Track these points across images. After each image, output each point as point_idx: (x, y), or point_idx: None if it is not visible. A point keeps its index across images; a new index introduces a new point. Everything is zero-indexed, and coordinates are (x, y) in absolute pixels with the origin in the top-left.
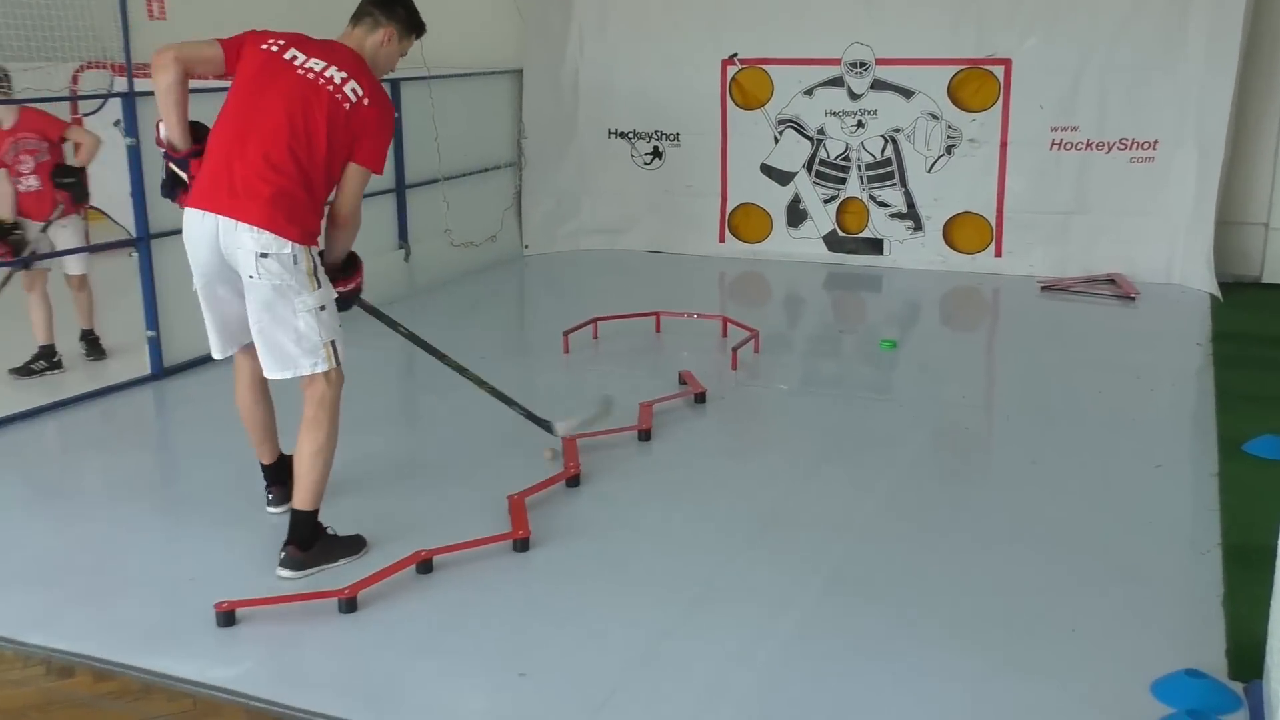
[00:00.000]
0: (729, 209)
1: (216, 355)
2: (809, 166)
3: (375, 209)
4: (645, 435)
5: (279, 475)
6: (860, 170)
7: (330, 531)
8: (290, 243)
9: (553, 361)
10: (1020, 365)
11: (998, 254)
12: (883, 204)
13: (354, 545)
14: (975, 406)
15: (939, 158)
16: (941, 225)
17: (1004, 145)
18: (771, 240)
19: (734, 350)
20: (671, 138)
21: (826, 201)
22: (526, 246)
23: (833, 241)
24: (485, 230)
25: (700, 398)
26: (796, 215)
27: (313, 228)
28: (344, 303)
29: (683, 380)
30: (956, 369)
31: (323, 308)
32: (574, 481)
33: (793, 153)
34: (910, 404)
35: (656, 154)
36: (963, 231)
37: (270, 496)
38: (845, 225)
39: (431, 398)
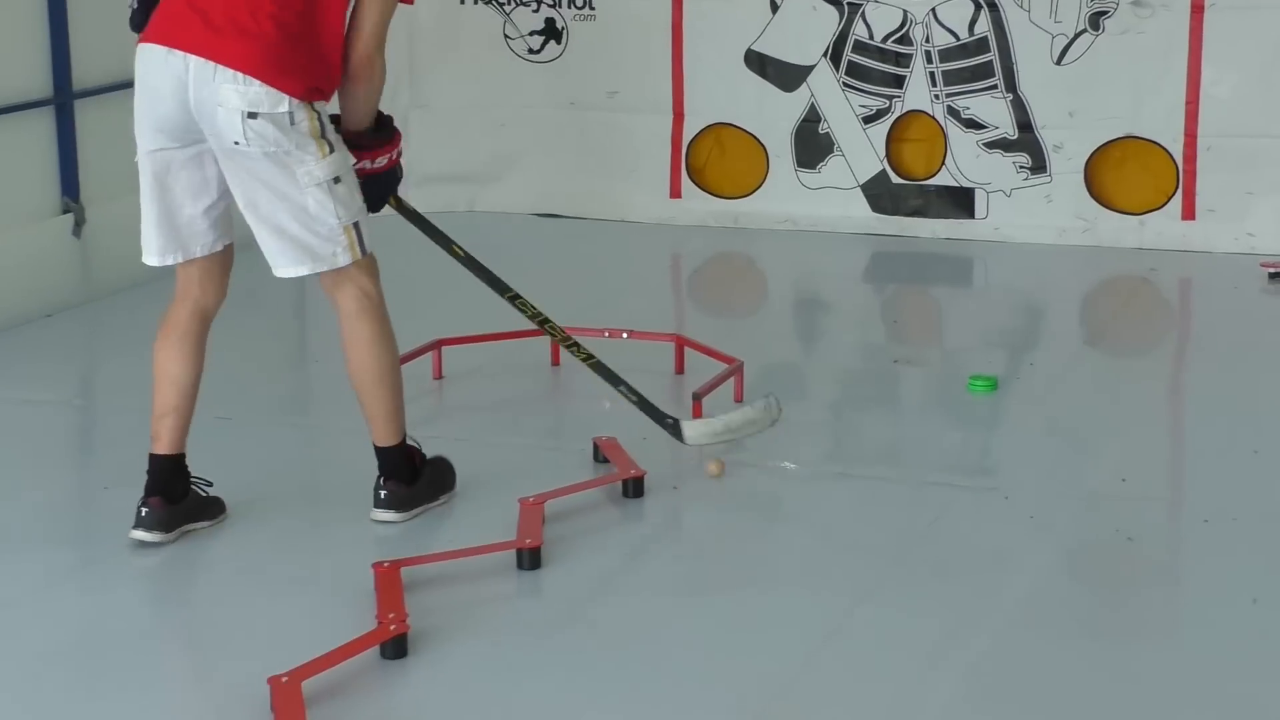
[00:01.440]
0: (688, 137)
1: (154, 261)
2: (835, 56)
3: (11, 134)
4: (530, 558)
5: (169, 481)
6: (932, 61)
7: (424, 455)
8: (287, 98)
9: (356, 423)
10: (1230, 421)
11: (1187, 214)
12: (973, 123)
13: (451, 475)
14: (1146, 499)
15: (1077, 35)
16: (1083, 163)
17: (1198, 9)
18: (767, 193)
19: (697, 398)
20: (579, 2)
21: (869, 120)
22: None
23: (881, 194)
24: None
25: (634, 487)
26: (814, 147)
27: (317, 81)
28: (373, 195)
29: (601, 455)
30: (1111, 429)
31: (337, 179)
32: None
33: (805, 29)
34: (1026, 495)
35: (551, 33)
36: (1122, 174)
37: (143, 513)
38: (904, 164)
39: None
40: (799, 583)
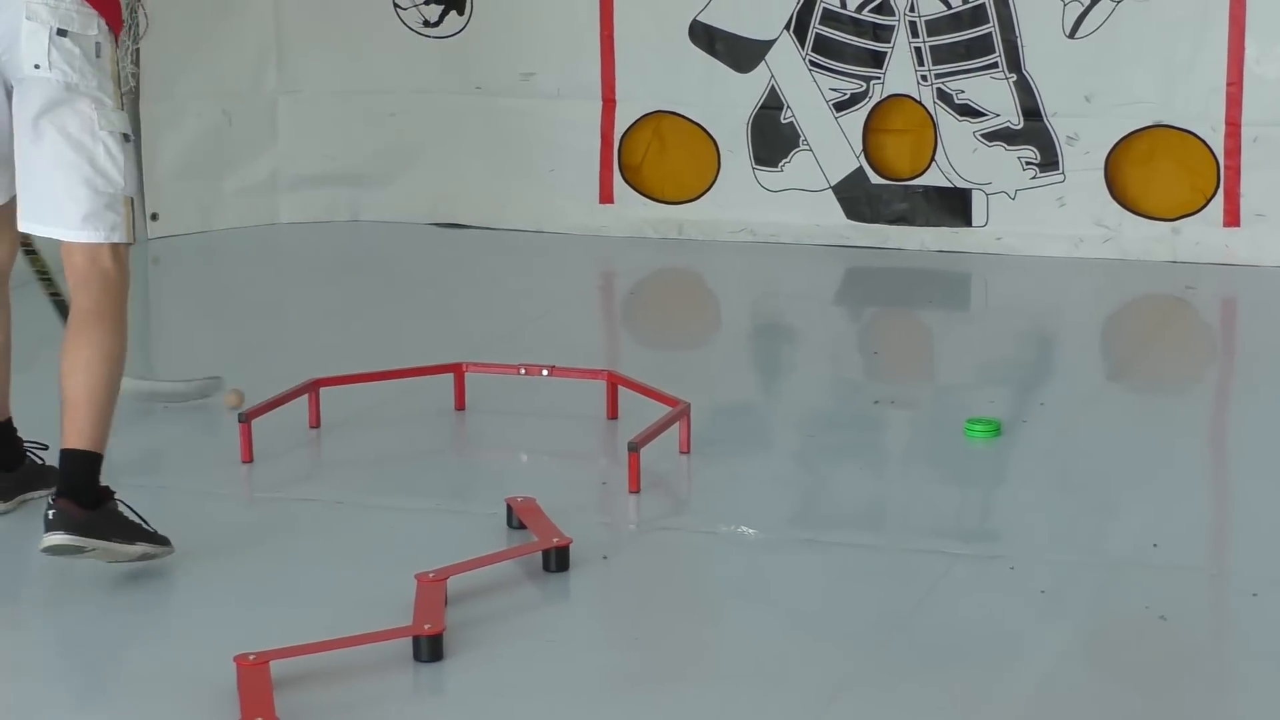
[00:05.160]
0: (621, 129)
1: None
2: (799, 28)
3: None
4: (430, 648)
5: (4, 449)
6: (918, 34)
7: (119, 502)
8: (97, 19)
9: (216, 482)
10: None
11: (1230, 220)
12: (969, 110)
13: (157, 538)
14: (1182, 568)
15: (1094, 3)
16: (1103, 158)
17: None
18: (718, 196)
19: (634, 449)
20: None
21: (842, 107)
22: (154, 218)
23: (858, 197)
24: None
25: (557, 558)
26: (775, 140)
27: (118, 11)
28: None
29: (517, 520)
30: (1139, 484)
31: (127, 137)
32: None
33: None
34: (1036, 565)
35: (451, 2)
36: (1150, 171)
37: None
38: (885, 160)
39: None
40: (759, 676)
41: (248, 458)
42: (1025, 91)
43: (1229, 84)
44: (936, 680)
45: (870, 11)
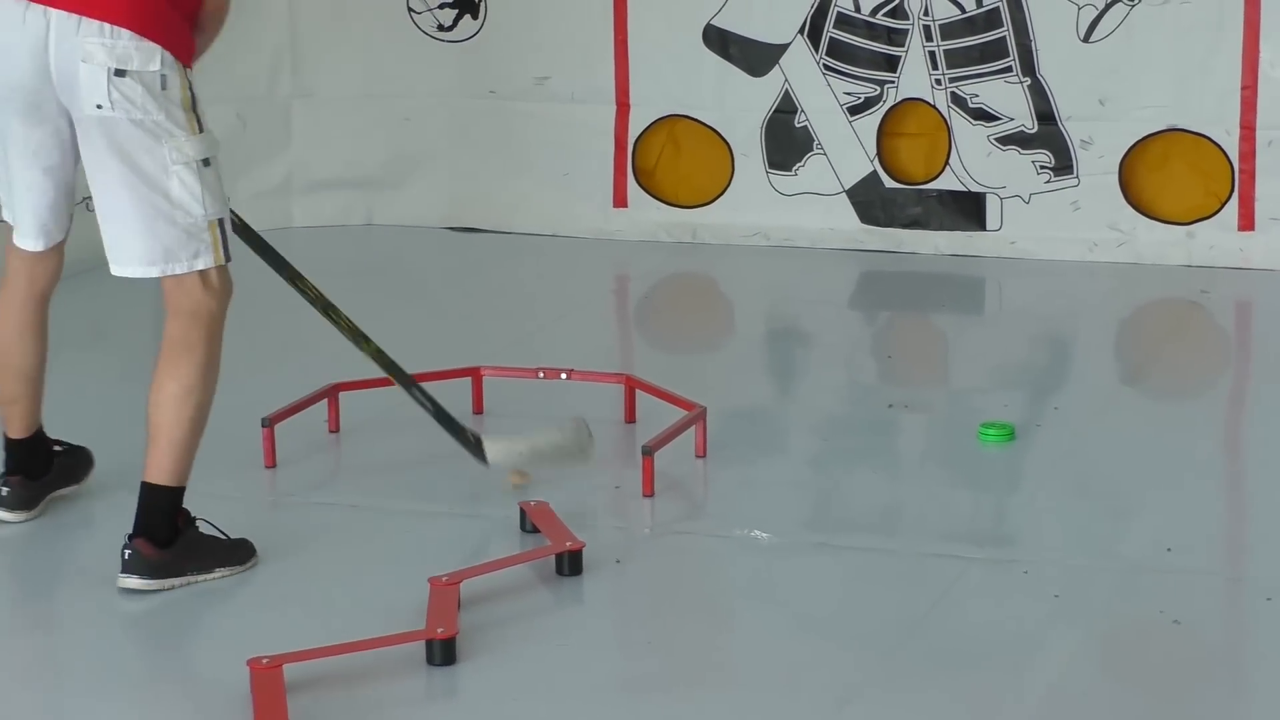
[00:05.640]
0: (635, 133)
1: (28, 245)
2: (813, 32)
3: None
4: (443, 651)
5: (28, 460)
6: (932, 38)
7: (200, 525)
8: (159, 53)
9: (239, 487)
10: None
11: (1245, 224)
12: (983, 114)
13: (238, 553)
14: (1196, 573)
15: (1109, 6)
16: (1117, 161)
17: None
18: (732, 200)
19: (647, 453)
20: None
21: (856, 111)
22: None
23: (872, 200)
24: None
25: (570, 562)
26: (789, 144)
27: (186, 39)
28: None
29: (530, 524)
30: (1154, 488)
31: (206, 162)
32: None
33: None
34: (1050, 569)
35: (466, 6)
36: (1165, 175)
37: (4, 492)
38: (899, 164)
39: None
40: (772, 680)
41: (271, 463)
42: (1039, 95)
43: (1243, 87)
44: (950, 684)
45: (885, 15)
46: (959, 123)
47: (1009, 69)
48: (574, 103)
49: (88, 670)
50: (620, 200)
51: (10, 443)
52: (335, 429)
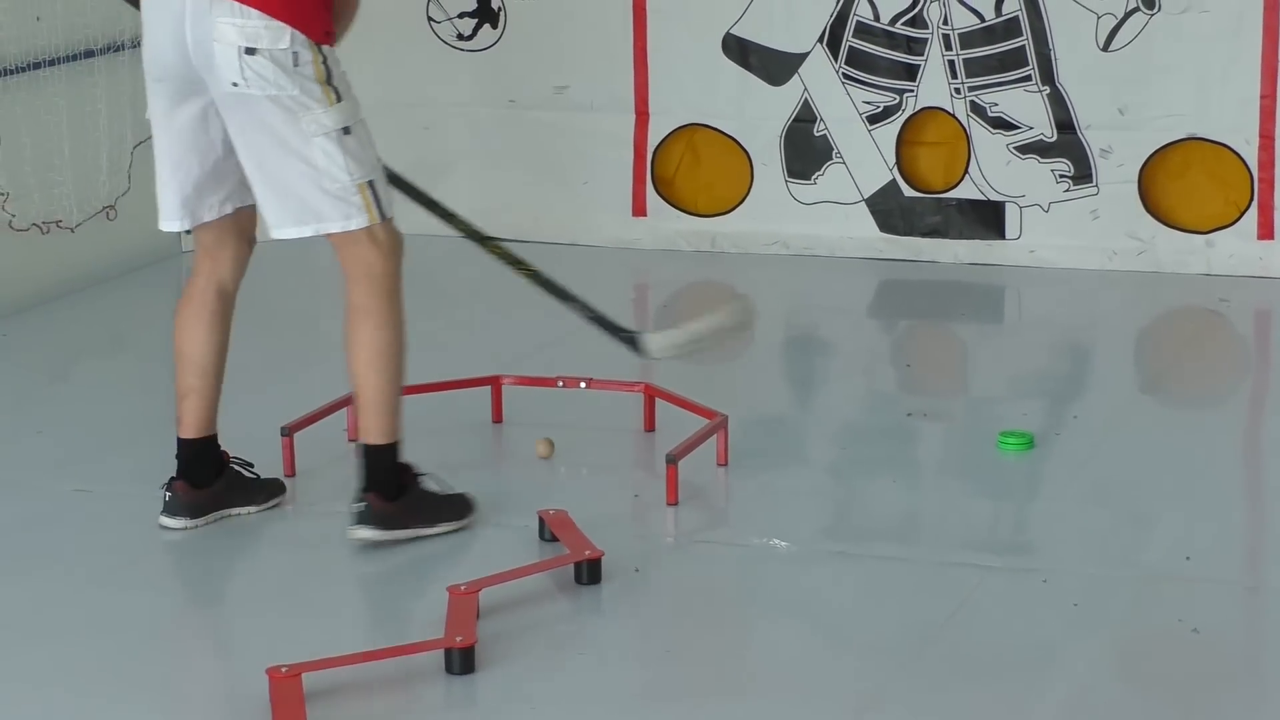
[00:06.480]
0: (654, 142)
1: (168, 226)
2: (833, 41)
3: None
4: (462, 660)
5: (197, 465)
6: (951, 47)
7: (425, 480)
8: (289, 32)
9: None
10: None
11: (1264, 233)
12: (1002, 123)
13: (457, 507)
14: (1216, 581)
15: (1128, 15)
16: (1137, 170)
17: None
18: (752, 209)
19: (672, 461)
20: None
21: (875, 120)
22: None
23: (891, 209)
24: (89, 198)
25: (589, 571)
26: (808, 152)
27: (318, 17)
28: None
29: (549, 532)
30: (1173, 496)
31: (347, 130)
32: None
33: (796, 8)
34: (1069, 577)
35: (485, 14)
36: (1184, 184)
37: (167, 496)
38: (918, 173)
39: None
40: (791, 689)
41: (290, 471)
42: (1059, 104)
43: (1263, 96)
44: (969, 693)
45: (904, 24)
46: (978, 132)
47: (1028, 78)
48: (593, 112)
49: (108, 677)
50: (639, 209)
51: (180, 444)
52: (354, 438)
